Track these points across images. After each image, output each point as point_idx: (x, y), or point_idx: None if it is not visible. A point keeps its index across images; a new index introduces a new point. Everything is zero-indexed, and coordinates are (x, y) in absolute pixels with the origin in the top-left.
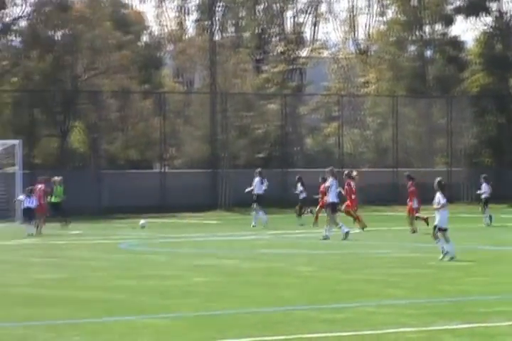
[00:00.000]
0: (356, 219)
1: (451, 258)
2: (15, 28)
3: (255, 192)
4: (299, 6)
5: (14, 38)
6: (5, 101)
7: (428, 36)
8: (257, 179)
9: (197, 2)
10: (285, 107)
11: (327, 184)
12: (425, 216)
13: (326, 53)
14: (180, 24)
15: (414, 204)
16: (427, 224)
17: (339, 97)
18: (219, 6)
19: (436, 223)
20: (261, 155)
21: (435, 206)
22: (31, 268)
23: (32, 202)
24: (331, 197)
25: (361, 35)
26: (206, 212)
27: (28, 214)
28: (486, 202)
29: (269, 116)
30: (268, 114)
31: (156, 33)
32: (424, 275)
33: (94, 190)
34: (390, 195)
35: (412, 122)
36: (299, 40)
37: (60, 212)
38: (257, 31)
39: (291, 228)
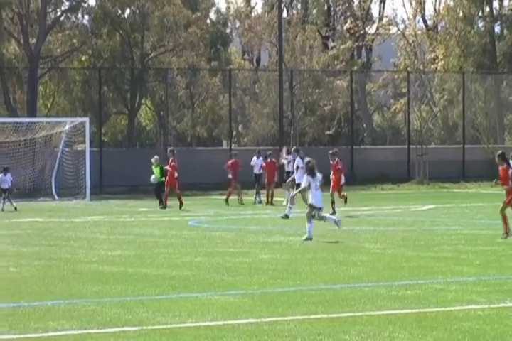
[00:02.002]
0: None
1: (308, 239)
2: (84, 5)
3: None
4: None
5: (83, 17)
6: (74, 79)
7: (497, 12)
8: (257, 158)
9: None
10: (352, 84)
11: (297, 164)
12: (345, 193)
13: (393, 30)
14: (248, 1)
15: (342, 181)
16: (345, 202)
17: (407, 74)
18: None
19: (311, 202)
20: (328, 132)
21: (312, 190)
22: (100, 245)
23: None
24: (299, 177)
25: (429, 10)
26: (274, 188)
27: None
28: None
29: (337, 93)
30: (335, 91)
31: (224, 11)
32: (493, 252)
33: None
34: (457, 172)
35: (480, 98)
36: (366, 17)
37: (158, 193)
38: (324, 8)
39: (358, 205)
